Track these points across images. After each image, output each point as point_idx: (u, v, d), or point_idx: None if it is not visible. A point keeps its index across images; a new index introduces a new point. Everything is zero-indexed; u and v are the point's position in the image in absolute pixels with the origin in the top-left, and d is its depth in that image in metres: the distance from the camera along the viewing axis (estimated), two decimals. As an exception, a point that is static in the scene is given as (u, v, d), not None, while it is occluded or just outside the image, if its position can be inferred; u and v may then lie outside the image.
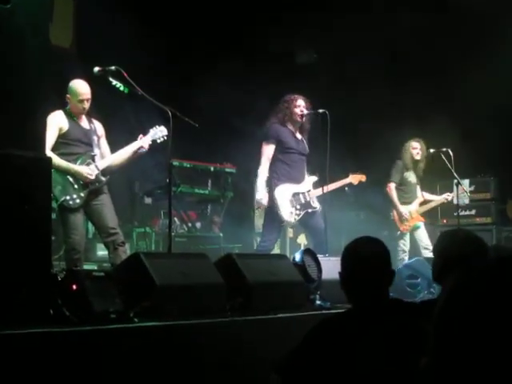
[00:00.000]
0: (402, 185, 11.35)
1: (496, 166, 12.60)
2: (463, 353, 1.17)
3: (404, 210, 11.20)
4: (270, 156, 9.02)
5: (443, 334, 1.21)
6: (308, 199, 9.14)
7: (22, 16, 4.88)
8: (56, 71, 7.24)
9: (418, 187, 11.54)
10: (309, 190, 9.20)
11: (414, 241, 11.20)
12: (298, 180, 9.18)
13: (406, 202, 11.33)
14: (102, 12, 10.24)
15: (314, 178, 9.37)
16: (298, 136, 9.24)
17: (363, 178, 10.04)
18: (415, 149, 11.25)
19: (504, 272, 1.21)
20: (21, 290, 4.33)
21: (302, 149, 9.23)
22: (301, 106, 9.11)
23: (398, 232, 11.18)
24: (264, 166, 9.03)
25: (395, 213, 11.24)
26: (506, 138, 12.07)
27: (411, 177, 11.36)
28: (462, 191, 11.42)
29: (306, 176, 9.33)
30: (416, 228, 11.23)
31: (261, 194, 8.98)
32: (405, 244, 11.15)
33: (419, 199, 11.48)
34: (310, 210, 9.16)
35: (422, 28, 11.95)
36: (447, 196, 11.52)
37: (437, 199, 11.59)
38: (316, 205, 9.19)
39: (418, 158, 11.24)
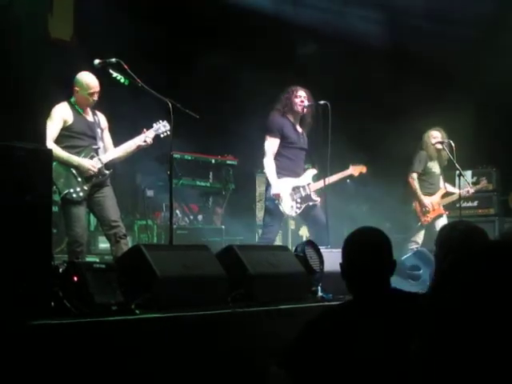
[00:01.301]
0: (426, 175, 11.19)
1: (498, 157, 12.57)
2: (450, 341, 1.17)
3: (427, 201, 11.06)
4: (275, 150, 9.01)
5: (430, 321, 1.21)
6: (308, 192, 9.14)
7: (20, 9, 4.86)
8: (57, 64, 7.24)
9: (441, 178, 11.38)
10: (309, 184, 9.20)
11: (430, 236, 10.77)
12: (298, 173, 9.19)
13: (429, 192, 11.17)
14: (102, 4, 10.25)
15: (314, 171, 9.37)
16: (299, 129, 9.23)
17: (363, 169, 9.99)
18: (435, 138, 11.05)
19: (489, 258, 1.21)
20: (21, 283, 4.32)
21: (303, 143, 9.24)
22: (301, 96, 9.09)
23: (419, 223, 11.06)
24: (270, 159, 9.01)
25: (417, 204, 11.07)
26: (508, 129, 12.04)
27: (435, 167, 11.19)
28: (465, 182, 11.32)
29: (305, 169, 9.34)
30: (438, 218, 11.04)
31: (277, 188, 8.95)
32: (419, 236, 10.97)
33: (442, 190, 11.28)
34: (310, 203, 9.16)
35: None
36: (469, 189, 11.31)
37: (457, 192, 11.31)
38: (316, 198, 9.19)
39: (439, 147, 11.02)
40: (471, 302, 1.15)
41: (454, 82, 11.96)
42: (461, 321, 1.15)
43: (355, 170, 9.87)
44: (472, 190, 11.32)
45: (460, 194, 10.79)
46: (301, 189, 9.12)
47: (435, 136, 11.03)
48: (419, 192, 11.04)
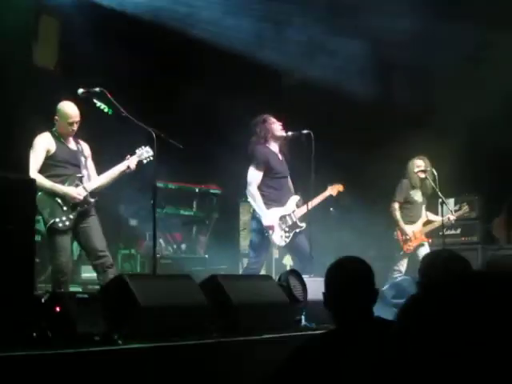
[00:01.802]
0: (407, 203, 11.21)
1: (480, 185, 12.61)
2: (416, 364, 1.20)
3: (408, 229, 11.10)
4: (259, 181, 9.02)
5: (397, 347, 1.24)
6: (294, 220, 9.17)
7: (4, 36, 4.87)
8: (41, 92, 7.24)
9: (424, 206, 11.39)
10: (294, 211, 9.22)
11: (413, 263, 10.78)
12: (284, 202, 9.20)
13: (411, 221, 11.19)
14: (87, 33, 10.27)
15: (297, 198, 9.38)
16: (280, 157, 9.26)
17: (340, 187, 10.01)
18: (419, 167, 11.12)
19: (463, 287, 1.22)
20: (3, 313, 4.29)
21: (285, 170, 9.26)
22: (276, 122, 9.14)
23: (401, 252, 11.05)
24: (254, 189, 8.99)
25: (399, 232, 11.11)
26: (490, 157, 12.10)
27: (417, 195, 11.21)
28: (447, 210, 11.35)
29: (290, 196, 9.35)
30: (420, 247, 11.06)
31: (269, 220, 8.95)
32: (402, 265, 10.96)
33: (423, 219, 11.31)
34: (297, 230, 9.18)
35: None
36: (450, 216, 11.34)
37: (439, 219, 11.35)
38: (302, 224, 9.21)
39: (422, 176, 11.10)
40: (437, 330, 1.16)
41: (439, 110, 12.00)
42: (425, 349, 1.17)
43: (333, 189, 9.86)
44: (453, 217, 11.34)
45: (442, 222, 10.83)
46: (287, 217, 9.14)
47: (418, 165, 11.09)
48: (401, 221, 11.08)
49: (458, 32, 10.84)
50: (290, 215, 9.16)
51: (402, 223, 11.07)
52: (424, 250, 10.89)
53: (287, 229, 9.11)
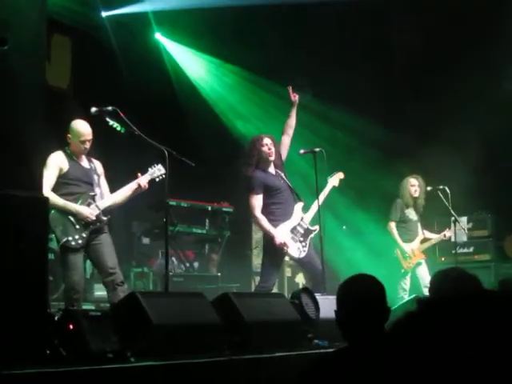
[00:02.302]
0: (404, 222, 11.28)
1: (493, 203, 12.60)
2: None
3: (407, 247, 11.14)
4: (261, 204, 9.00)
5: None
6: (305, 226, 9.15)
7: (18, 57, 4.91)
8: (54, 111, 7.28)
9: (419, 224, 11.47)
10: (302, 218, 9.20)
11: (416, 279, 11.09)
12: (291, 213, 9.18)
13: (409, 239, 11.25)
14: (99, 52, 10.34)
15: (301, 204, 9.35)
16: (274, 172, 9.22)
17: (341, 175, 9.82)
18: (413, 186, 11.18)
19: (461, 305, 1.22)
20: (17, 331, 4.31)
21: (284, 183, 9.23)
22: (267, 144, 9.12)
23: (402, 270, 11.09)
24: (258, 213, 8.94)
25: (398, 251, 11.17)
26: (503, 175, 12.09)
27: (412, 214, 11.30)
28: (460, 228, 11.35)
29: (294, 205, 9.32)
30: (418, 265, 11.16)
31: (280, 237, 8.95)
32: (405, 283, 11.04)
33: (420, 236, 11.37)
34: (312, 235, 9.16)
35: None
36: (446, 233, 11.39)
37: (435, 237, 11.48)
38: (315, 227, 9.20)
39: (416, 195, 11.16)
40: (429, 345, 1.17)
41: (451, 127, 12.00)
42: (414, 362, 1.17)
43: (334, 180, 9.76)
44: (449, 234, 11.37)
45: (456, 240, 10.90)
46: (297, 227, 9.11)
47: (412, 184, 11.18)
48: (399, 239, 11.20)
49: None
50: (299, 224, 9.14)
51: (400, 242, 11.17)
52: (422, 268, 11.18)
53: (302, 238, 9.09)
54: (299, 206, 9.31)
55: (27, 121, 5.02)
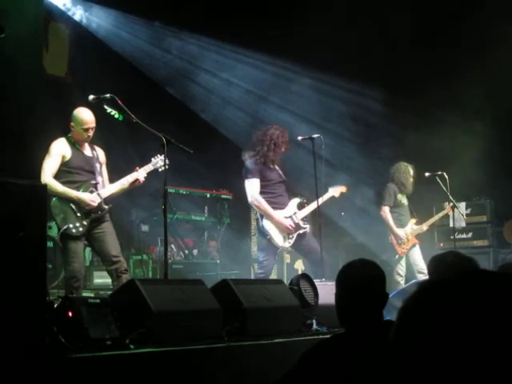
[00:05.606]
0: (396, 207, 11.23)
1: (491, 189, 12.61)
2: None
3: (401, 232, 11.14)
4: (259, 189, 9.02)
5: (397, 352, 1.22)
6: (296, 221, 9.17)
7: (16, 44, 4.90)
8: (54, 99, 7.27)
9: (409, 208, 11.46)
10: (295, 213, 9.23)
11: (410, 264, 11.09)
12: (283, 205, 9.21)
13: (401, 224, 11.24)
14: (96, 40, 10.32)
15: (297, 200, 9.38)
16: (271, 165, 9.23)
17: (344, 189, 9.90)
18: (412, 175, 11.14)
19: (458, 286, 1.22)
20: (15, 318, 4.32)
21: (279, 176, 9.25)
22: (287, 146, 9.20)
23: (397, 256, 11.08)
24: (258, 195, 9.00)
25: (392, 236, 11.17)
26: (501, 161, 12.08)
27: (404, 199, 11.27)
28: (459, 214, 11.36)
29: (289, 199, 9.35)
30: (412, 249, 11.15)
31: (284, 221, 9.00)
32: (401, 268, 11.05)
33: (412, 221, 11.34)
34: (301, 232, 9.18)
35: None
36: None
37: (438, 215, 11.40)
38: (305, 225, 9.22)
39: (411, 179, 11.14)
40: (436, 328, 1.16)
41: (452, 113, 12.00)
42: (425, 345, 1.16)
43: (335, 191, 9.77)
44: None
45: (454, 226, 10.89)
46: (289, 219, 9.14)
47: (412, 173, 11.13)
48: (393, 225, 11.12)
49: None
50: (291, 217, 9.17)
51: (394, 227, 11.11)
52: (416, 251, 11.11)
53: None
54: (295, 201, 9.35)
55: (26, 108, 5.02)
